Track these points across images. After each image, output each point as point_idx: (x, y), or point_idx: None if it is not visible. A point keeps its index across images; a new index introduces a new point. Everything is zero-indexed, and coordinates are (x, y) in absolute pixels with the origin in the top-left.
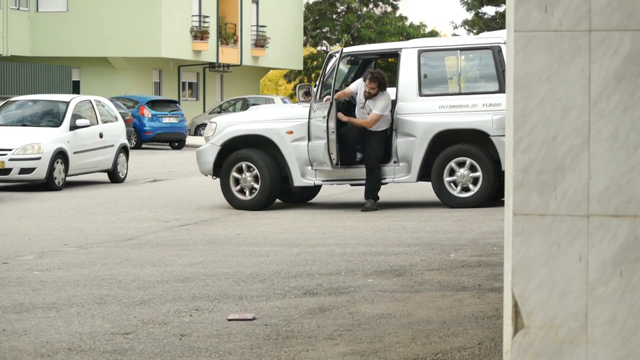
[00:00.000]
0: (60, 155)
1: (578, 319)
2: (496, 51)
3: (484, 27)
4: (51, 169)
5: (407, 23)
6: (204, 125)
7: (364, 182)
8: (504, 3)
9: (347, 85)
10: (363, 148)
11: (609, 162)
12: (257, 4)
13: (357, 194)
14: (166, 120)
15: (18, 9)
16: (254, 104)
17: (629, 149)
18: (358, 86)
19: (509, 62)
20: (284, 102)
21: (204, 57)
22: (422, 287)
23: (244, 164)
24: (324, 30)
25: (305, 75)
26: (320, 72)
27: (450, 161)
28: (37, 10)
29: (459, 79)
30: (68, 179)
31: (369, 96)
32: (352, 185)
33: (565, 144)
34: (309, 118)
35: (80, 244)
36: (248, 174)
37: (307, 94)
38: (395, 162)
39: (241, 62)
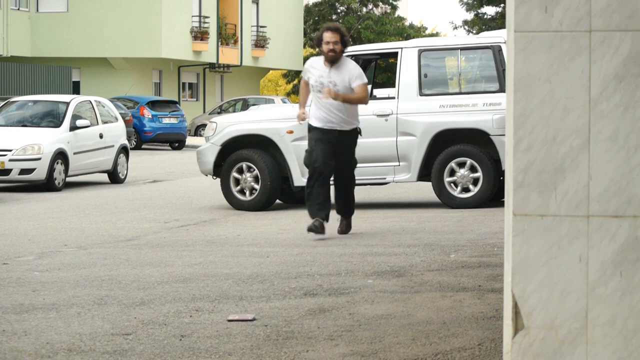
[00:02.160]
0: (61, 155)
1: (578, 319)
2: (496, 51)
3: (483, 27)
4: (51, 169)
5: (407, 24)
6: (204, 125)
7: (364, 182)
8: (504, 3)
9: None
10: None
11: (609, 163)
12: (257, 4)
13: (357, 194)
14: (166, 120)
15: (18, 9)
16: (254, 104)
17: (629, 150)
18: (310, 70)
19: (509, 62)
20: (284, 102)
21: (204, 58)
22: (422, 288)
23: (244, 165)
24: None
25: None
26: None
27: (451, 161)
28: (37, 10)
29: (459, 78)
30: (68, 179)
31: (333, 57)
32: None
33: (565, 144)
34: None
35: (80, 245)
36: (248, 174)
37: None
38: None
39: (241, 62)
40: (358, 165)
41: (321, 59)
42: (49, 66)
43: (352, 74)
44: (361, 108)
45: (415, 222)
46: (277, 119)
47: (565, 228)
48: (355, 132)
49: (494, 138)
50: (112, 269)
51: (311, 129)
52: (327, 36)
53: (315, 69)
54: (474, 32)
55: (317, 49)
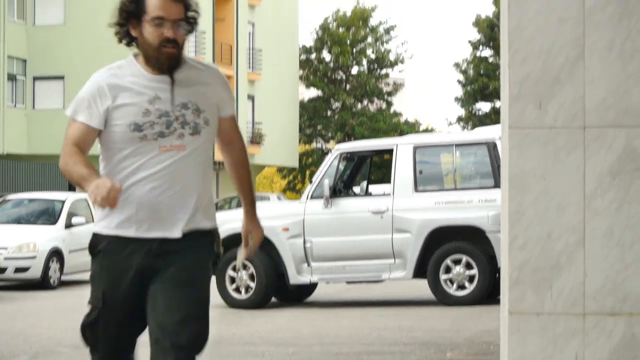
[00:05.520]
0: (56, 254)
1: None
2: (491, 147)
3: (478, 123)
4: (46, 268)
5: (402, 120)
6: None
7: (359, 279)
8: (499, 99)
9: (343, 182)
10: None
11: (604, 260)
12: (253, 100)
13: (353, 292)
14: None
15: (15, 106)
16: None
17: (624, 247)
18: (113, 91)
19: (504, 158)
20: (279, 199)
21: None
22: None
23: None
24: (318, 127)
25: (300, 172)
26: (319, 169)
27: (446, 258)
28: (34, 107)
29: (455, 174)
30: (63, 277)
31: (173, 56)
32: (347, 283)
33: (561, 241)
34: (304, 214)
35: (75, 344)
36: (244, 272)
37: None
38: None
39: None
40: (353, 262)
41: (133, 64)
42: (45, 163)
43: (220, 87)
44: (354, 206)
45: (411, 320)
46: (272, 217)
47: (561, 326)
48: (207, 240)
49: (489, 235)
50: None
51: (97, 245)
52: (160, 6)
53: (129, 89)
54: (469, 128)
55: (309, 144)
